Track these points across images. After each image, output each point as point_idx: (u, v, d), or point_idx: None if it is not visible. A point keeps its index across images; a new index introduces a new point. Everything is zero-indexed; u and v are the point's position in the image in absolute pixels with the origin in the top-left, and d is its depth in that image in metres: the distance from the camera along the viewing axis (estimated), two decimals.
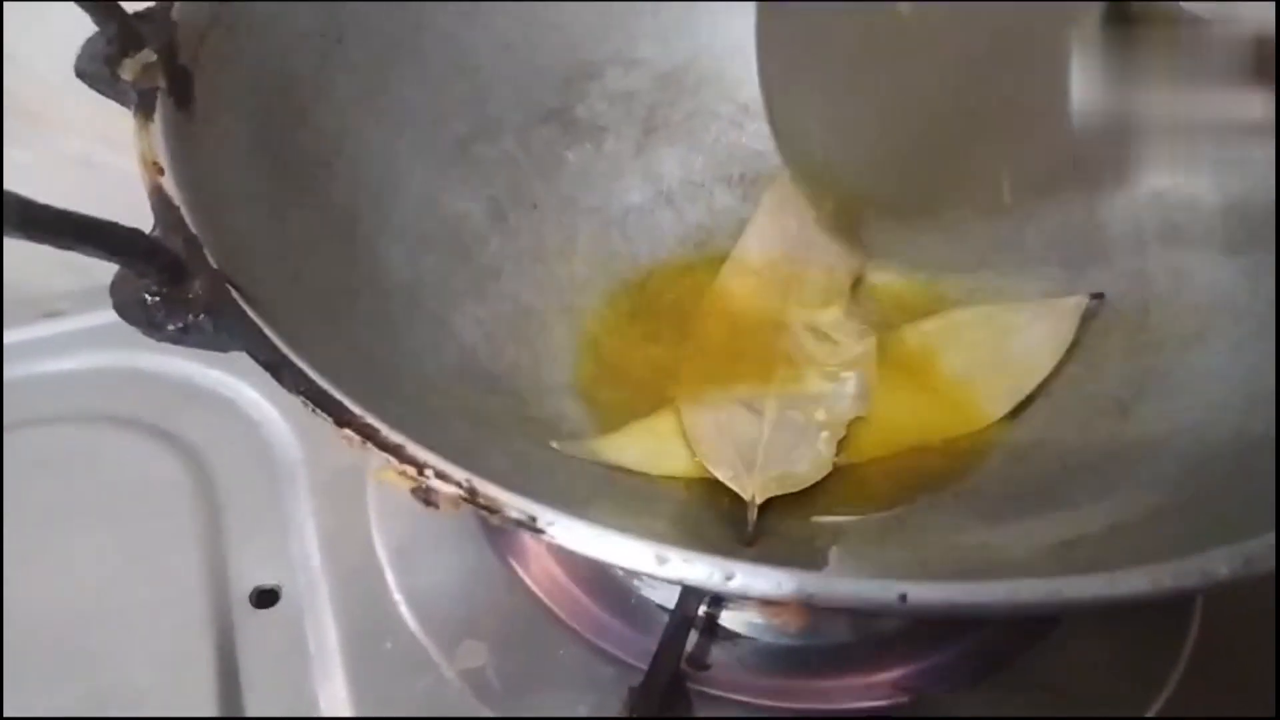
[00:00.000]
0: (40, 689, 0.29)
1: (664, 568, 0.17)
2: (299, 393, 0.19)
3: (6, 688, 0.29)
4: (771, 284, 0.38)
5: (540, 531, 0.17)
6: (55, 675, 0.30)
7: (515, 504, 0.18)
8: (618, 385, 0.34)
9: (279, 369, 0.20)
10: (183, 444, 0.36)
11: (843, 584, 0.16)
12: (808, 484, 0.31)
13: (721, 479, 0.30)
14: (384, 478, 0.19)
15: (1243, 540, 0.18)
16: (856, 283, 0.38)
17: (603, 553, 0.17)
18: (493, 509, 0.18)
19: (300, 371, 0.19)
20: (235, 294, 0.21)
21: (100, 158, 0.42)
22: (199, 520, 0.34)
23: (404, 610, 0.31)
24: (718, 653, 0.31)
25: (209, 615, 0.31)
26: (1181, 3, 0.34)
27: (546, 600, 0.31)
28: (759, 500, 0.30)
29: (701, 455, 0.31)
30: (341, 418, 0.19)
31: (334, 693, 0.29)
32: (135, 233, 0.20)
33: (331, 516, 0.34)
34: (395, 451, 0.18)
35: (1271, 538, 0.18)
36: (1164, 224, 0.34)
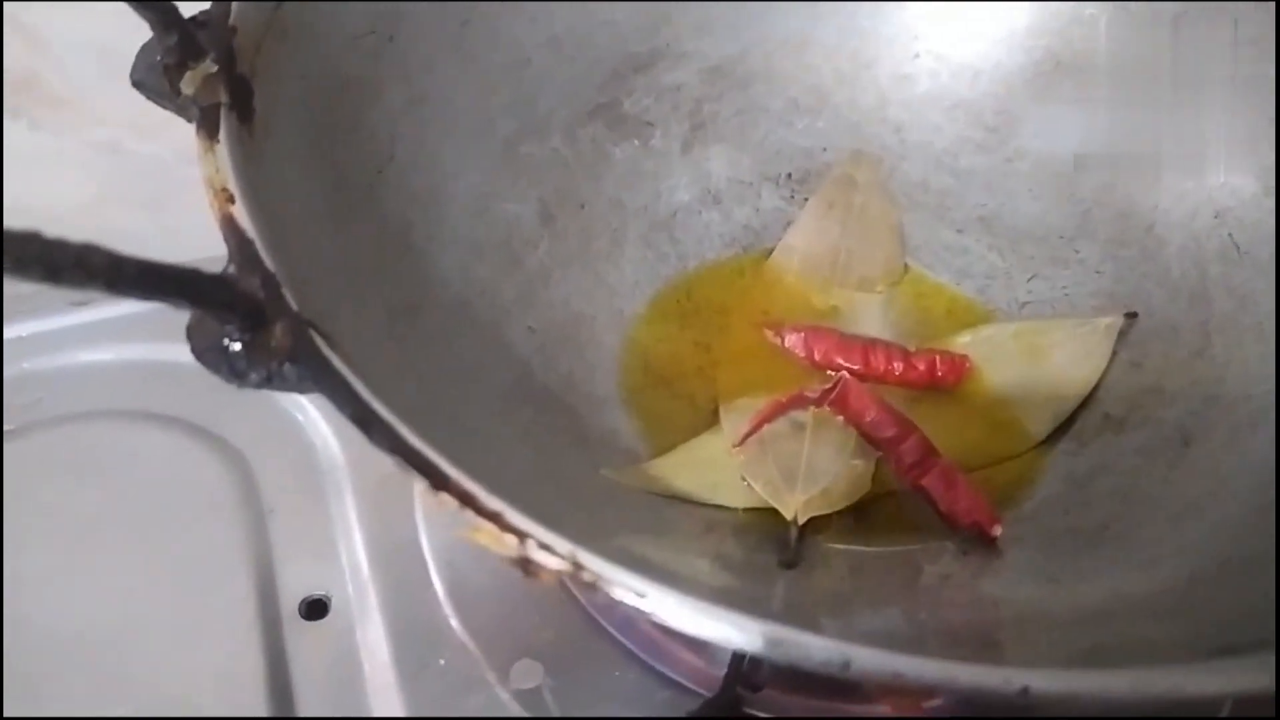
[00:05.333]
0: (84, 710, 0.29)
1: (777, 650, 0.17)
2: (390, 450, 0.19)
3: (46, 709, 0.29)
4: (811, 288, 0.37)
5: (650, 611, 0.17)
6: (100, 695, 0.29)
7: (622, 580, 0.17)
8: (669, 396, 0.34)
9: (368, 424, 0.19)
10: (224, 444, 0.36)
11: (964, 672, 0.16)
12: (848, 502, 0.30)
13: (761, 493, 0.30)
14: (477, 539, 0.19)
15: None
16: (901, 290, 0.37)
17: (709, 633, 0.17)
18: (596, 585, 0.17)
19: (394, 431, 0.19)
20: (320, 341, 0.20)
21: (128, 145, 0.41)
22: (244, 525, 0.33)
23: (456, 625, 0.31)
24: (771, 673, 0.31)
25: (258, 628, 0.31)
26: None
27: (600, 618, 0.31)
28: (801, 520, 0.30)
29: (741, 467, 0.31)
30: (438, 482, 0.18)
31: (389, 710, 0.29)
32: (220, 280, 0.19)
33: (379, 524, 0.33)
34: (494, 519, 0.18)
35: None
36: (1225, 244, 0.34)
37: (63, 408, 0.37)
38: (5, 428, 0.35)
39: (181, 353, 0.38)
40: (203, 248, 0.40)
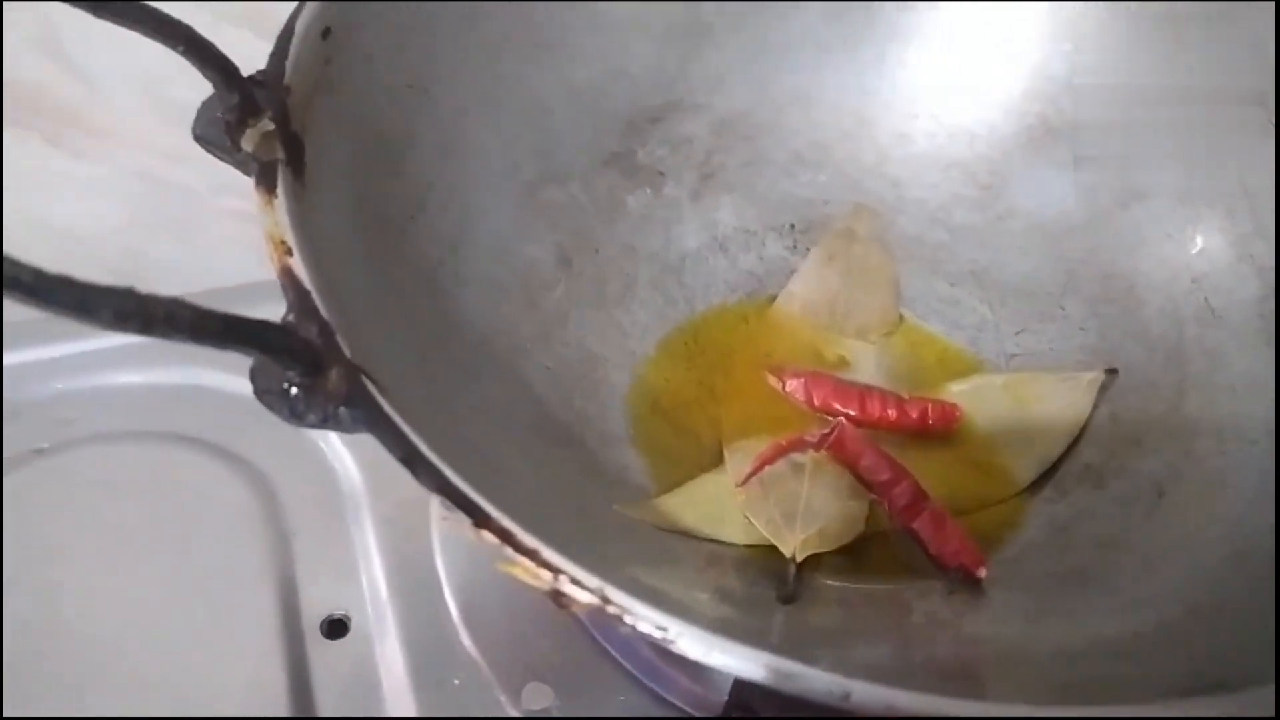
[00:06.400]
0: (119, 713, 0.31)
1: (785, 682, 0.19)
2: (436, 490, 0.21)
3: (86, 712, 0.30)
4: (811, 335, 0.39)
5: (670, 642, 0.19)
6: (133, 700, 0.31)
7: (648, 615, 0.19)
8: (674, 434, 0.36)
9: (414, 464, 0.21)
10: (249, 467, 0.37)
11: (951, 707, 0.18)
12: (843, 542, 0.32)
13: (762, 531, 0.32)
14: (513, 573, 0.20)
15: None
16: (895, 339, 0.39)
17: (724, 665, 0.19)
18: (621, 618, 0.19)
19: (439, 472, 0.20)
20: (371, 387, 0.22)
21: (161, 172, 0.43)
22: (268, 546, 0.35)
23: (470, 647, 0.33)
24: (763, 698, 0.32)
25: (281, 644, 0.32)
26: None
27: (606, 645, 0.33)
28: (799, 558, 0.31)
29: (743, 504, 0.33)
30: (480, 520, 0.20)
31: None
32: (282, 329, 0.21)
33: (397, 549, 0.35)
34: (531, 555, 0.20)
35: None
36: (1201, 307, 0.36)
37: (95, 428, 0.38)
38: (40, 446, 0.37)
39: (209, 378, 0.39)
40: (229, 275, 0.42)
